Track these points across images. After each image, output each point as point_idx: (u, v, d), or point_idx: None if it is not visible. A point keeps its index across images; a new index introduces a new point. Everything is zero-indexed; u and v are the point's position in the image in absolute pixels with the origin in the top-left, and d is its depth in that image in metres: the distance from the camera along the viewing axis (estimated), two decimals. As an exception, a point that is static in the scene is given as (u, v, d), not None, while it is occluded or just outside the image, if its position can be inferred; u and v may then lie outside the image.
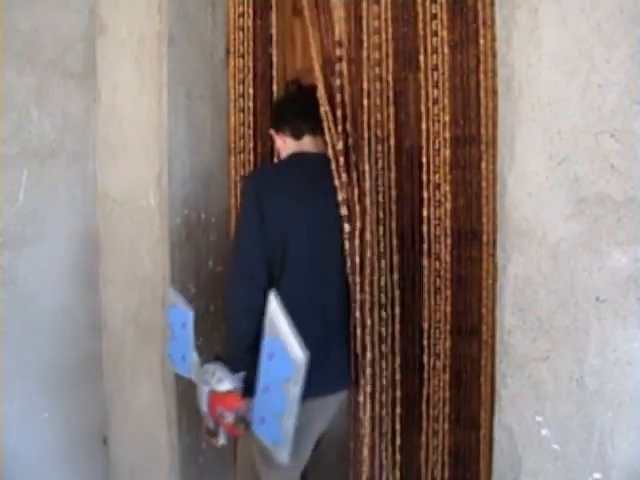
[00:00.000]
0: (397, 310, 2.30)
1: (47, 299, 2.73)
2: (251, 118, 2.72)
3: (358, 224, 2.18)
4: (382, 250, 2.27)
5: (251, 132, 2.72)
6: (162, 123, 2.60)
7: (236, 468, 2.44)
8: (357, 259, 2.17)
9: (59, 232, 2.69)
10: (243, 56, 2.75)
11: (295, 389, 1.88)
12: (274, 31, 2.68)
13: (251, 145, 2.72)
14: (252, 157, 2.72)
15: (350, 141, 2.22)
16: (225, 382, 1.99)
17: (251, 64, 2.73)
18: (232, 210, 2.80)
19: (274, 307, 1.89)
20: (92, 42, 2.83)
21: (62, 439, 2.82)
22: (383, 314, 2.25)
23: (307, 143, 2.32)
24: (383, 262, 2.26)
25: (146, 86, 2.67)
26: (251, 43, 2.74)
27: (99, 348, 2.89)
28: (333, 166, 2.18)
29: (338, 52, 2.24)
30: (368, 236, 2.19)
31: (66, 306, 2.75)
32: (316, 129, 2.29)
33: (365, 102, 2.23)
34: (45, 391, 2.76)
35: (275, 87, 2.66)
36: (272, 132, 2.40)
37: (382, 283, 2.25)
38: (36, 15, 2.67)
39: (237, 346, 2.05)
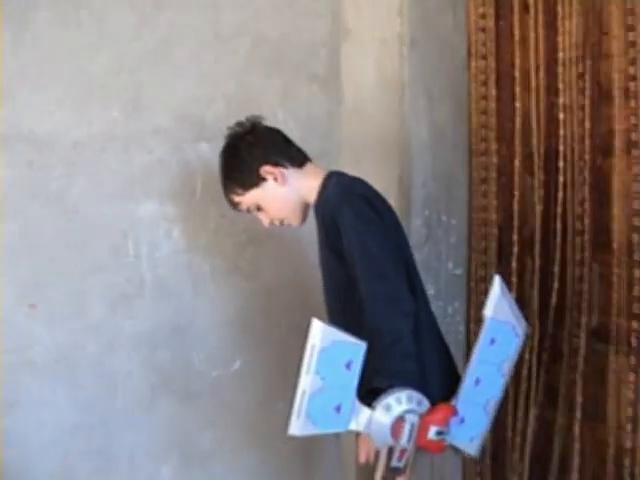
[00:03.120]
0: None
1: (287, 293, 2.86)
2: (494, 120, 2.67)
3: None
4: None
5: (494, 134, 2.67)
6: (403, 124, 2.63)
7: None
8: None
9: (301, 229, 2.78)
10: (485, 57, 2.71)
11: (512, 363, 1.91)
12: (516, 31, 2.62)
13: (494, 147, 2.67)
14: (495, 159, 2.66)
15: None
16: (424, 400, 1.79)
17: (493, 65, 2.69)
18: (473, 213, 2.77)
19: (501, 289, 1.84)
20: (334, 46, 2.91)
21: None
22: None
23: (311, 170, 2.11)
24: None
25: (388, 88, 2.71)
26: (492, 44, 2.70)
27: (337, 344, 2.95)
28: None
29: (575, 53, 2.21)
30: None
31: (307, 300, 2.83)
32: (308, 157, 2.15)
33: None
34: (280, 382, 2.86)
35: (518, 89, 2.60)
36: (267, 169, 2.05)
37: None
38: (283, 23, 2.79)
39: (408, 360, 1.82)
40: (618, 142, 2.25)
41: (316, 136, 2.80)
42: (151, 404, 2.65)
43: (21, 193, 2.38)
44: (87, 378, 2.53)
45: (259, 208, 2.11)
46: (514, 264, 2.60)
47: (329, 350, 1.69)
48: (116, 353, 2.57)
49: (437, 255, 2.69)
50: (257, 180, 2.06)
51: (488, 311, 1.83)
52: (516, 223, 2.59)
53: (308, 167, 2.12)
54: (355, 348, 1.72)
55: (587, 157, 2.34)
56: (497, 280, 1.85)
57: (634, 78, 2.18)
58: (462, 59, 2.76)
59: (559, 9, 2.40)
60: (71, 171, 2.45)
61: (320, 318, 2.82)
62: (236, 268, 2.76)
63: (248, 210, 2.14)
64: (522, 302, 2.54)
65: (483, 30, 2.71)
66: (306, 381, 1.70)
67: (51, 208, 2.43)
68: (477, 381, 1.85)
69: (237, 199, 2.11)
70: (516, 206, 2.60)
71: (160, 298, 2.63)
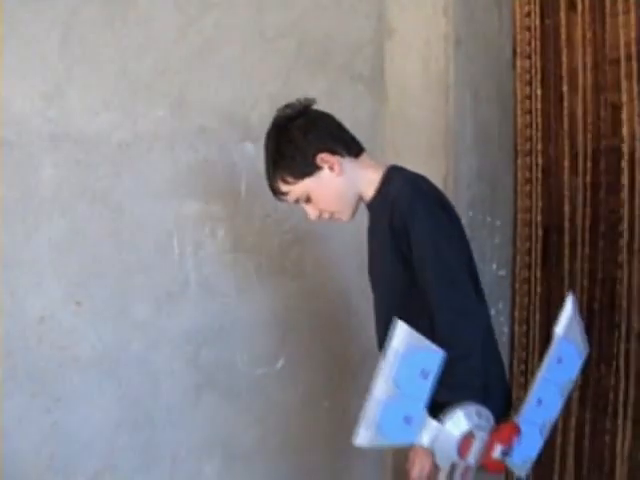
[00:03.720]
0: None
1: (332, 293, 2.87)
2: (539, 120, 2.64)
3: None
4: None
5: (539, 134, 2.64)
6: (449, 124, 2.61)
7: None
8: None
9: (346, 230, 2.77)
10: (530, 56, 2.68)
11: (572, 385, 1.81)
12: (563, 30, 2.59)
13: (539, 147, 2.65)
14: (540, 160, 2.64)
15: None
16: (491, 416, 1.71)
17: (539, 65, 2.66)
18: (518, 214, 2.74)
19: (573, 308, 1.72)
20: (380, 46, 2.91)
21: (339, 428, 2.91)
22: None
23: (368, 162, 1.96)
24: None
25: (433, 88, 2.70)
26: (538, 43, 2.67)
27: (380, 344, 2.95)
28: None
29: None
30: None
31: (351, 301, 2.84)
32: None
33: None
34: (327, 381, 2.88)
35: (565, 88, 2.57)
36: (324, 157, 1.87)
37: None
38: (328, 23, 2.80)
39: (476, 375, 1.74)
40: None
41: (361, 136, 2.76)
42: (195, 402, 2.67)
43: (68, 192, 2.41)
44: (131, 376, 2.56)
45: (308, 199, 1.93)
46: (566, 266, 2.57)
47: (409, 357, 1.55)
48: (160, 351, 2.60)
49: (481, 256, 2.66)
50: (311, 168, 1.88)
51: (560, 330, 1.70)
52: (567, 225, 2.57)
53: (364, 158, 1.95)
54: (434, 356, 1.59)
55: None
56: (570, 299, 1.72)
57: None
58: (508, 58, 2.74)
59: (609, 6, 2.38)
60: (117, 170, 2.47)
61: (364, 319, 2.81)
62: (281, 268, 2.77)
63: (296, 201, 1.95)
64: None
65: (528, 29, 2.68)
66: (382, 389, 1.54)
67: (97, 207, 2.46)
68: (539, 401, 1.74)
69: (285, 188, 1.92)
70: (567, 207, 2.57)
71: (205, 297, 2.64)
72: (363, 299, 2.87)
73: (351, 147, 1.93)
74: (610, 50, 2.38)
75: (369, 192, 1.92)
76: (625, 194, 2.36)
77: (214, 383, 2.70)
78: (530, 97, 2.68)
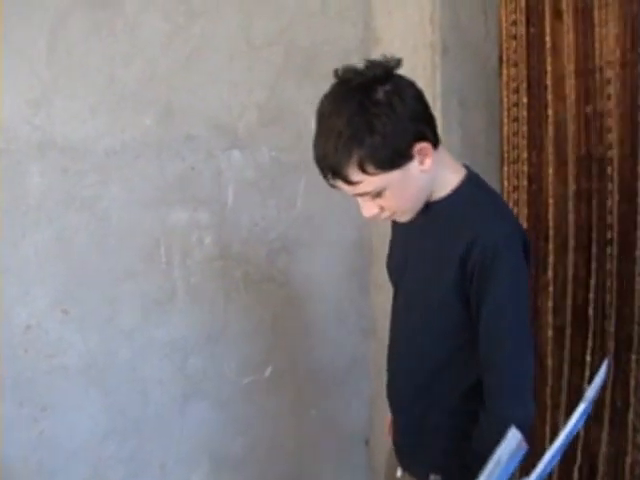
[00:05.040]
0: None
1: (319, 302, 2.86)
2: (525, 127, 2.65)
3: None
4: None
5: (525, 142, 2.65)
6: (436, 133, 2.61)
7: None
8: None
9: (333, 238, 2.80)
10: (516, 64, 2.70)
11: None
12: (548, 38, 2.60)
13: (525, 155, 2.65)
14: (526, 167, 2.64)
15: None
16: None
17: (525, 72, 2.68)
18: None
19: (606, 372, 1.59)
20: (366, 54, 2.90)
21: (326, 436, 2.92)
22: None
23: (447, 157, 1.59)
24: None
25: (419, 96, 2.70)
26: (524, 51, 2.69)
27: (368, 352, 2.96)
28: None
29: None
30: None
31: (338, 309, 2.84)
32: None
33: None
34: (313, 389, 2.88)
35: (551, 96, 2.58)
36: (424, 146, 1.47)
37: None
38: (315, 31, 2.79)
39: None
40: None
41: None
42: (182, 411, 2.66)
43: (55, 200, 2.41)
44: (119, 384, 2.55)
45: (379, 195, 1.48)
46: (550, 273, 2.58)
47: (507, 462, 1.33)
48: (148, 360, 2.59)
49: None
50: (404, 159, 1.44)
51: (591, 394, 1.52)
52: (552, 233, 2.57)
53: (443, 151, 1.57)
54: (520, 454, 1.34)
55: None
56: (606, 364, 1.57)
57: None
58: (494, 66, 2.74)
59: (595, 15, 2.39)
60: (104, 178, 2.47)
61: (351, 327, 2.81)
62: (268, 276, 2.77)
63: (359, 194, 1.50)
64: (555, 311, 2.53)
65: (514, 37, 2.69)
66: None
67: (84, 215, 2.45)
68: (553, 457, 1.58)
69: (358, 178, 1.43)
70: (551, 215, 2.57)
71: (192, 305, 2.64)
72: (350, 307, 2.89)
73: (436, 134, 1.53)
74: (595, 58, 2.39)
75: (438, 193, 1.56)
76: (611, 201, 2.37)
77: (202, 391, 2.69)
78: (517, 105, 2.69)
